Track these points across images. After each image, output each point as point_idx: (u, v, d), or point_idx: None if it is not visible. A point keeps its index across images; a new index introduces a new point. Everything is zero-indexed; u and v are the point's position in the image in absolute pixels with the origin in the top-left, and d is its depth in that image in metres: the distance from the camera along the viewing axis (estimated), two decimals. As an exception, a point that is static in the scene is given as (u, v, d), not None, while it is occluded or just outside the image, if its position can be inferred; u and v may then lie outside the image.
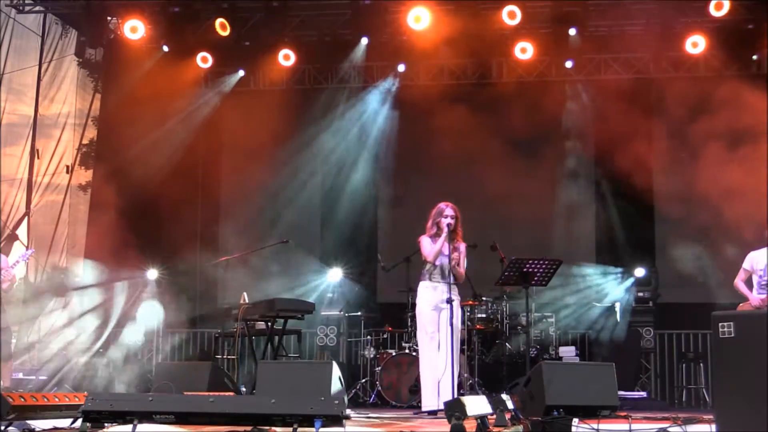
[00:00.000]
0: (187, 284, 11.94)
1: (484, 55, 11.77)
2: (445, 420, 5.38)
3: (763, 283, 8.24)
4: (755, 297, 8.20)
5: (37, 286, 12.02)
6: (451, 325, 7.36)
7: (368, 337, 10.58)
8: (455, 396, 7.17)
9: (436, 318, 7.64)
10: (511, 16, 10.95)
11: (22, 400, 5.19)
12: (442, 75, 12.24)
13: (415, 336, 9.64)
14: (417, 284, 7.89)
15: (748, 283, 8.39)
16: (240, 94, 12.53)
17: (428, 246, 7.70)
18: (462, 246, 7.74)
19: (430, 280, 7.71)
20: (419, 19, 11.05)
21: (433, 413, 7.46)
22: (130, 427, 4.49)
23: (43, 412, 5.31)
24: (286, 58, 11.81)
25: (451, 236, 7.58)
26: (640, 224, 11.53)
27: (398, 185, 12.50)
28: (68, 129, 12.59)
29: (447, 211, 7.67)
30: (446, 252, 7.54)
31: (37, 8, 12.01)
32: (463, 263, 7.75)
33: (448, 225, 7.59)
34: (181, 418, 4.53)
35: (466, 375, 9.35)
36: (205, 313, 12.20)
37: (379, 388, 9.52)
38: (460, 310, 7.89)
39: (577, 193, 11.99)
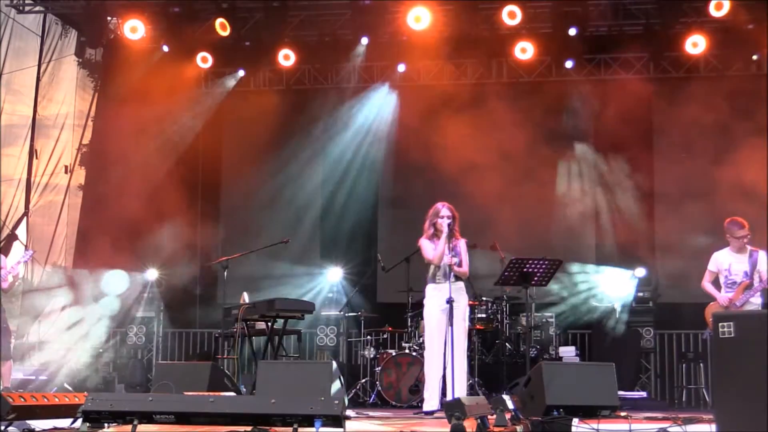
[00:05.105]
0: (187, 284, 11.93)
1: (484, 55, 11.76)
2: (445, 420, 5.38)
3: (729, 282, 8.27)
4: (723, 296, 8.23)
5: (36, 286, 12.02)
6: (451, 325, 7.36)
7: (368, 337, 10.57)
8: (456, 396, 7.18)
9: (444, 319, 7.62)
10: (511, 16, 10.95)
11: (22, 400, 5.18)
12: (442, 75, 12.24)
13: (415, 336, 9.68)
14: (424, 287, 7.88)
15: (715, 283, 8.41)
16: (240, 94, 12.53)
17: (429, 248, 7.68)
18: (461, 243, 7.72)
19: (435, 281, 7.70)
20: (419, 19, 11.04)
21: (430, 413, 7.47)
22: (130, 427, 4.49)
23: (43, 412, 5.31)
24: (286, 58, 11.81)
25: (449, 237, 7.57)
26: (641, 224, 11.52)
27: (398, 185, 12.50)
28: (67, 129, 12.58)
29: (443, 211, 7.65)
30: (447, 252, 7.53)
31: (37, 8, 12.00)
32: (466, 260, 7.74)
33: (449, 225, 7.58)
34: (181, 418, 4.53)
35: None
36: (205, 313, 12.20)
37: (379, 388, 9.52)
38: (468, 309, 7.89)
39: (577, 192, 11.99)
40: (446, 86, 11.95)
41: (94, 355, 11.09)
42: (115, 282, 11.19)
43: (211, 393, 6.18)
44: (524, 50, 11.48)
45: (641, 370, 11.01)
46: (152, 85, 11.38)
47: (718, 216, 9.42)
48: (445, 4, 11.25)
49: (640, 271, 11.03)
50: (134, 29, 11.48)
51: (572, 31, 11.16)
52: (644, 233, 11.54)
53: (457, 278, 7.59)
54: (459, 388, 7.44)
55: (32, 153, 12.08)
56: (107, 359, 11.28)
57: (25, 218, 11.96)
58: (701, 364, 10.59)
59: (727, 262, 8.28)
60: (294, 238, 10.29)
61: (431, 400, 7.61)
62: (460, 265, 7.63)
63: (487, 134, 11.10)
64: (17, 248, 11.51)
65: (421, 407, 7.88)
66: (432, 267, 7.72)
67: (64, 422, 5.17)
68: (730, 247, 8.29)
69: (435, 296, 7.69)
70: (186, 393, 5.89)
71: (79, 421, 4.56)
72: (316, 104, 12.40)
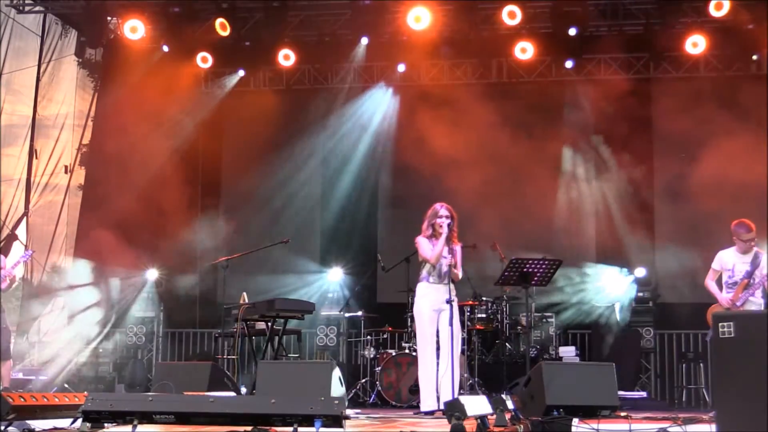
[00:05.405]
0: (187, 284, 11.93)
1: (484, 55, 11.76)
2: (445, 420, 5.37)
3: (731, 282, 8.26)
4: (723, 297, 8.21)
5: (36, 286, 12.02)
6: (451, 325, 7.36)
7: (368, 337, 10.58)
8: (455, 396, 7.18)
9: (435, 319, 7.64)
10: (511, 16, 10.95)
11: (22, 400, 5.18)
12: (442, 75, 12.24)
13: (415, 336, 9.66)
14: (416, 285, 7.89)
15: (719, 282, 8.40)
16: (240, 94, 12.52)
17: (427, 247, 7.68)
18: (458, 247, 7.72)
19: (429, 281, 7.71)
20: (419, 19, 11.04)
21: (430, 413, 7.46)
22: (130, 427, 4.49)
23: (43, 412, 5.31)
24: (286, 58, 11.81)
25: (448, 238, 7.56)
26: (640, 224, 11.52)
27: (398, 185, 12.49)
28: (67, 129, 12.58)
29: (441, 211, 7.66)
30: (445, 254, 7.53)
31: (37, 8, 12.00)
32: (460, 264, 7.75)
33: (449, 226, 7.58)
34: (181, 418, 4.53)
35: (466, 375, 9.35)
36: (205, 313, 12.20)
37: (379, 388, 9.52)
38: (458, 310, 7.89)
39: (577, 192, 11.99)
40: (446, 86, 11.95)
41: (94, 355, 11.08)
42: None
43: (211, 393, 6.18)
44: (524, 50, 11.47)
45: (641, 370, 11.01)
46: (152, 85, 11.38)
47: (718, 216, 9.43)
48: (445, 4, 11.25)
49: (640, 271, 11.03)
50: (134, 29, 11.48)
51: (572, 31, 11.15)
52: (644, 233, 11.53)
53: (451, 280, 7.59)
54: (458, 388, 7.45)
55: (32, 153, 12.09)
56: (107, 359, 11.27)
57: (24, 218, 11.96)
58: (701, 364, 10.58)
59: (732, 262, 8.28)
60: (294, 238, 10.28)
61: (429, 399, 7.60)
62: (455, 267, 7.63)
63: (486, 134, 11.10)
64: (17, 248, 11.51)
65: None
66: (427, 266, 7.72)
67: (64, 422, 5.16)
68: (736, 247, 8.28)
69: (427, 295, 7.69)
70: (186, 393, 5.89)
71: (79, 421, 4.57)
72: (316, 104, 12.40)
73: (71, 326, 11.14)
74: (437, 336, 7.67)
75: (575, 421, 5.50)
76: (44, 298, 11.74)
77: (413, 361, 9.27)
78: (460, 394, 7.78)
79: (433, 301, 7.64)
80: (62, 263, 12.30)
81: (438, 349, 7.66)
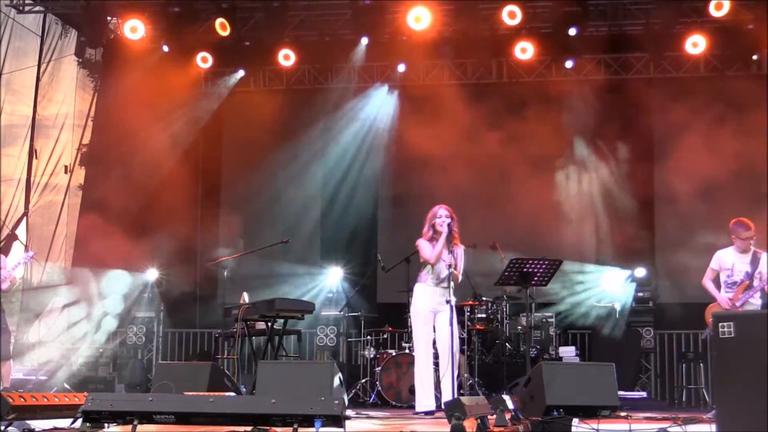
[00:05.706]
0: (187, 284, 11.93)
1: (484, 55, 11.77)
2: (445, 420, 5.38)
3: (730, 282, 8.25)
4: (723, 297, 8.20)
5: (36, 286, 12.02)
6: (451, 325, 7.36)
7: (368, 337, 10.58)
8: (455, 396, 7.18)
9: (431, 320, 7.64)
10: (511, 16, 10.95)
11: (22, 400, 5.18)
12: (442, 75, 12.24)
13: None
14: (413, 286, 7.89)
15: (716, 282, 8.39)
16: (240, 94, 12.53)
17: (427, 248, 7.68)
18: (459, 249, 7.72)
19: (426, 283, 7.70)
20: (419, 19, 11.05)
21: (430, 413, 7.47)
22: (130, 427, 4.49)
23: (43, 412, 5.31)
24: (286, 58, 11.81)
25: (449, 239, 7.56)
26: (640, 224, 11.53)
27: (398, 185, 12.50)
28: (67, 129, 12.57)
29: (440, 211, 7.68)
30: (445, 256, 7.51)
31: (37, 8, 12.00)
32: (460, 266, 7.75)
33: (449, 225, 7.58)
34: (181, 418, 4.53)
35: (466, 375, 9.35)
36: (205, 313, 12.20)
37: (379, 388, 9.52)
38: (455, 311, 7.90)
39: (577, 192, 11.99)
40: (446, 86, 11.94)
41: (94, 355, 11.09)
42: (117, 282, 11.21)
43: (211, 393, 6.18)
44: (524, 50, 11.48)
45: (641, 370, 11.01)
46: (152, 85, 11.38)
47: (718, 215, 9.43)
48: (445, 4, 11.25)
49: (640, 271, 11.03)
50: (134, 29, 11.48)
51: (572, 31, 11.15)
52: (644, 233, 11.53)
53: (450, 282, 7.59)
54: (457, 388, 7.46)
55: (32, 153, 12.08)
56: (107, 359, 11.27)
57: (24, 218, 11.96)
58: (701, 364, 10.58)
59: (730, 261, 8.27)
60: (294, 238, 10.28)
61: (428, 399, 7.60)
62: (455, 268, 7.63)
63: (486, 134, 11.10)
64: (17, 248, 11.51)
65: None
66: (426, 267, 7.72)
67: (64, 422, 5.16)
68: (735, 247, 8.27)
69: (423, 297, 7.69)
70: (186, 393, 5.89)
71: (79, 421, 4.57)
72: (316, 104, 12.40)
73: (71, 326, 11.15)
74: (433, 336, 7.67)
75: (575, 421, 5.50)
76: (44, 298, 11.74)
77: (413, 361, 9.26)
78: (460, 394, 7.78)
79: (428, 303, 7.64)
80: (62, 263, 12.30)
81: (435, 349, 7.66)
